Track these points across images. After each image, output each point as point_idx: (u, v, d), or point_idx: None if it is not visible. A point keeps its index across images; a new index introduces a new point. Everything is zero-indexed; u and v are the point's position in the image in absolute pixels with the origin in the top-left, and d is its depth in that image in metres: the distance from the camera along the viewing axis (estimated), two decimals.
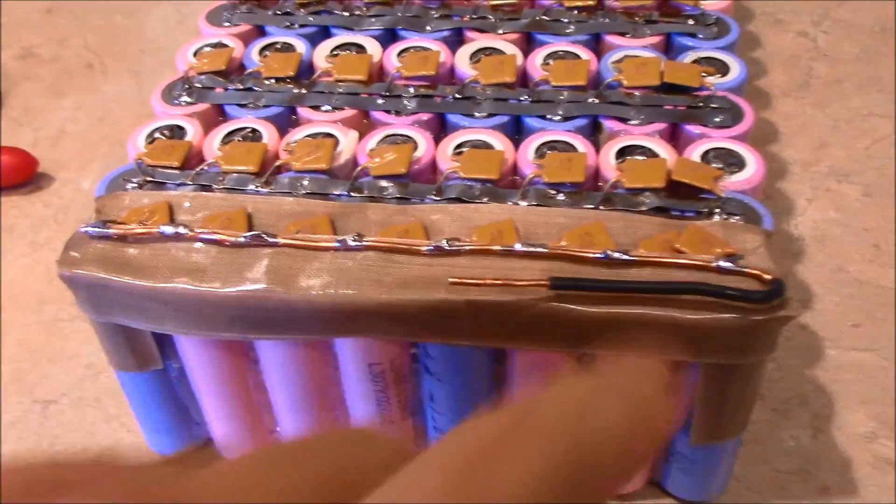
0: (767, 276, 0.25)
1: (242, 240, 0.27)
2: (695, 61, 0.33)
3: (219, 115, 0.33)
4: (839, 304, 0.37)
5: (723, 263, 0.25)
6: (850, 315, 0.37)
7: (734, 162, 0.29)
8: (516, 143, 0.30)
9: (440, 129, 0.32)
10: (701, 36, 0.34)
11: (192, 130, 0.31)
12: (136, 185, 0.30)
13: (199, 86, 0.33)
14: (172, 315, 0.27)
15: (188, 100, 0.33)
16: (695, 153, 0.30)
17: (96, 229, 0.27)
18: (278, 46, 0.35)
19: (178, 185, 0.29)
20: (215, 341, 0.28)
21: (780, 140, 0.45)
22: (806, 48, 0.50)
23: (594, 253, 0.26)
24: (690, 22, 0.35)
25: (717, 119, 0.31)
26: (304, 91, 0.32)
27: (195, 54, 0.35)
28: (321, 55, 0.34)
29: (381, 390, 0.29)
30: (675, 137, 0.31)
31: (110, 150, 0.47)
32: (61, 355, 0.37)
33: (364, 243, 0.27)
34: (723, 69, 0.33)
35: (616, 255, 0.26)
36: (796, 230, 0.41)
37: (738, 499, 0.32)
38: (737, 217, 0.28)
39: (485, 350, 0.28)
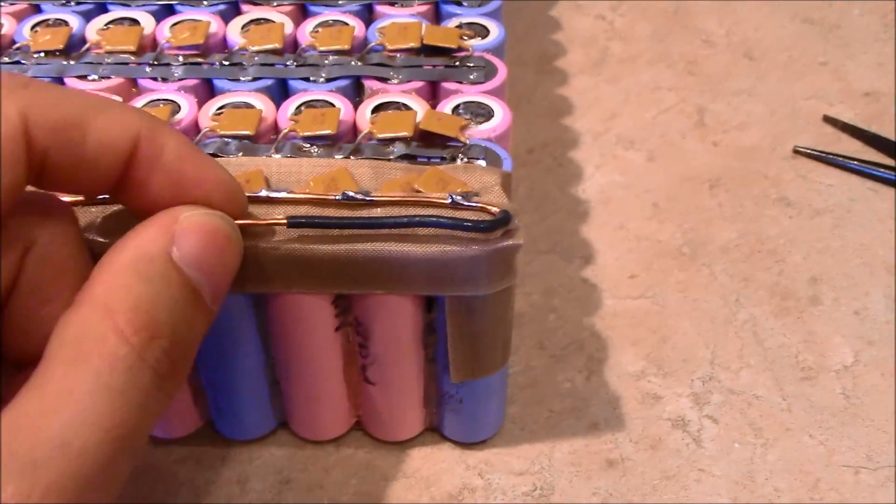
0: (495, 209, 0.27)
1: None
2: (458, 26, 0.35)
3: None
4: (618, 259, 0.40)
5: (455, 199, 0.27)
6: (627, 267, 0.39)
7: (483, 113, 0.31)
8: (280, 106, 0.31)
9: (209, 95, 0.33)
10: (466, 4, 0.36)
11: None
12: None
13: None
14: None
15: None
16: (447, 107, 0.31)
17: None
18: (50, 22, 0.35)
19: None
20: None
21: (573, 113, 0.47)
22: (603, 29, 0.53)
23: (334, 195, 0.27)
24: None
25: (472, 76, 0.32)
26: (71, 63, 0.33)
27: None
28: (93, 29, 0.34)
29: None
30: (435, 96, 0.33)
31: None
32: None
33: None
34: (484, 33, 0.35)
35: (354, 195, 0.27)
36: (584, 194, 0.43)
37: (512, 438, 0.33)
38: (479, 160, 0.29)
39: (244, 298, 0.28)
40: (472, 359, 0.29)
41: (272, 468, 0.32)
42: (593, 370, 0.35)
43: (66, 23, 0.35)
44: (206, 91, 0.33)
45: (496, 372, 0.30)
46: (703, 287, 0.38)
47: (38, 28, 0.35)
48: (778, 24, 0.53)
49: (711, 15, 0.54)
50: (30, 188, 0.21)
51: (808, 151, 0.44)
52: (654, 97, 0.48)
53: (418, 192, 0.27)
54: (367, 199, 0.27)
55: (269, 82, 0.32)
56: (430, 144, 0.30)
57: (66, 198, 0.24)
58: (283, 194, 0.27)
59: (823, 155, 0.44)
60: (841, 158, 0.43)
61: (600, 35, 0.52)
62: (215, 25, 0.34)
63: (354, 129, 0.31)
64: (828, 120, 0.46)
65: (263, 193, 0.27)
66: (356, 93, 0.33)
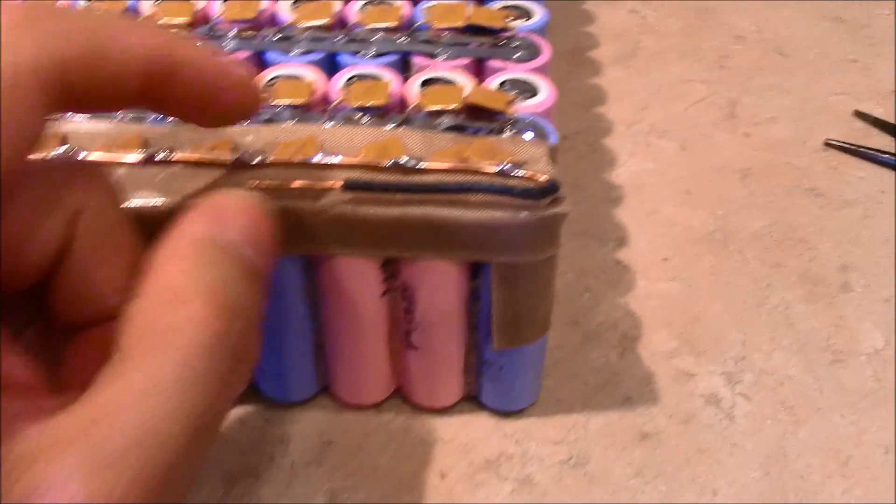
0: (542, 178, 0.27)
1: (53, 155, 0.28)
2: (503, 8, 0.36)
3: None
4: (651, 242, 0.40)
5: (504, 168, 0.28)
6: (660, 251, 0.40)
7: (528, 90, 0.32)
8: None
9: (261, 68, 0.33)
10: None
11: None
12: None
13: None
14: None
15: None
16: (493, 83, 0.32)
17: None
18: None
19: None
20: None
21: (606, 103, 0.48)
22: (635, 24, 0.54)
23: (386, 161, 0.28)
24: None
25: (517, 55, 0.33)
26: None
27: None
28: (147, 2, 0.35)
29: None
30: (481, 73, 0.33)
31: None
32: None
33: (171, 158, 0.28)
34: (526, 14, 0.36)
35: (406, 162, 0.28)
36: (617, 179, 0.43)
37: (548, 409, 0.34)
38: (526, 134, 0.30)
39: (293, 262, 0.29)
40: (514, 326, 0.30)
41: (314, 430, 0.33)
42: (627, 347, 0.36)
43: None
44: (258, 64, 0.34)
45: (536, 341, 0.31)
46: (734, 272, 0.39)
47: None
48: (808, 23, 0.54)
49: (741, 13, 0.55)
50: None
51: (840, 144, 0.45)
52: (685, 89, 0.49)
53: (468, 160, 0.28)
54: (419, 166, 0.28)
55: (319, 56, 0.33)
56: (478, 117, 0.31)
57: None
58: (337, 159, 0.28)
59: (855, 148, 0.44)
60: (872, 151, 0.44)
61: (632, 29, 0.53)
62: (266, 3, 0.35)
63: (403, 102, 0.32)
64: (859, 115, 0.47)
65: (318, 158, 0.28)
66: (403, 69, 0.34)
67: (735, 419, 0.33)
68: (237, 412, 0.33)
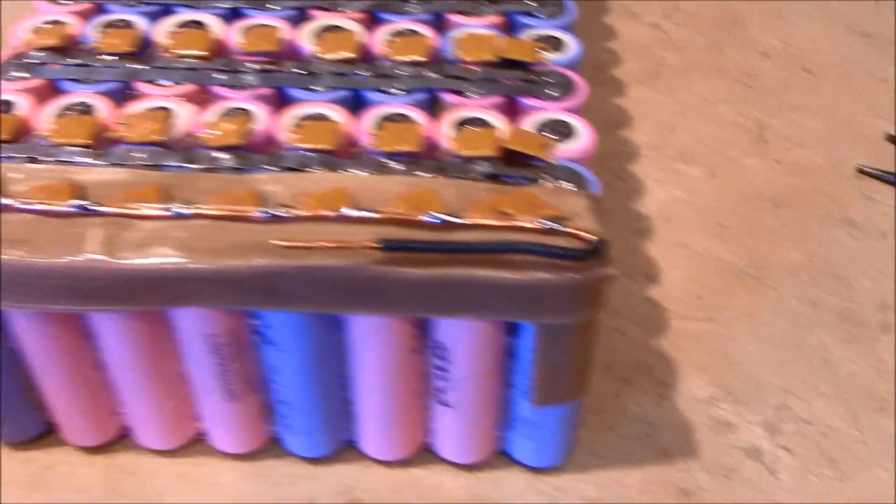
0: (588, 236, 0.26)
1: (68, 209, 0.26)
2: (533, 39, 0.34)
3: (53, 90, 0.32)
4: (683, 278, 0.39)
5: (547, 224, 0.26)
6: (692, 288, 0.38)
7: (565, 132, 0.30)
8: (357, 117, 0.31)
9: (281, 103, 0.32)
10: (540, 15, 0.35)
11: (22, 105, 0.30)
12: None
13: (35, 62, 0.32)
14: (2, 288, 0.26)
15: (22, 75, 0.32)
16: (528, 123, 0.30)
17: None
18: (117, 23, 0.34)
19: (7, 157, 0.29)
20: (49, 316, 0.28)
21: (631, 125, 0.46)
22: (658, 38, 0.52)
23: (423, 216, 0.26)
24: (530, 2, 0.36)
25: (551, 92, 0.32)
26: (142, 66, 0.32)
27: (33, 31, 0.34)
28: (161, 31, 0.34)
29: (223, 364, 0.29)
30: (512, 110, 0.32)
31: None
32: None
33: (195, 211, 0.26)
34: (559, 47, 0.34)
35: (444, 217, 0.26)
36: (645, 209, 0.42)
37: (583, 463, 0.32)
38: (566, 183, 0.28)
39: (325, 317, 0.28)
40: (554, 385, 0.29)
41: (340, 487, 0.31)
42: (662, 395, 0.34)
43: (132, 24, 0.34)
44: (278, 99, 0.32)
45: (577, 399, 0.30)
46: (770, 310, 0.37)
47: (106, 29, 0.34)
48: (834, 38, 0.52)
49: (766, 26, 0.53)
50: None
51: (873, 171, 0.43)
52: (711, 110, 0.47)
53: (507, 214, 0.27)
54: (458, 221, 0.26)
55: (344, 93, 0.31)
56: (514, 163, 0.29)
57: None
58: (369, 214, 0.26)
59: (889, 176, 0.43)
60: None
61: (655, 44, 0.52)
62: (286, 31, 0.33)
63: (434, 146, 0.30)
64: (891, 139, 0.45)
65: (348, 212, 0.26)
66: (433, 106, 0.32)
67: (777, 474, 0.32)
68: (256, 467, 0.32)
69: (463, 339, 0.28)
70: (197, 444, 0.32)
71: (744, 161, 0.44)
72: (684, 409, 0.34)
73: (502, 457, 0.32)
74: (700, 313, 0.37)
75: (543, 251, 0.25)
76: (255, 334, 0.29)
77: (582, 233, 0.26)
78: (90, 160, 0.29)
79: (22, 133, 0.30)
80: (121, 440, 0.33)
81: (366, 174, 0.28)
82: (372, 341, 0.28)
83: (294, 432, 0.31)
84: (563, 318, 0.27)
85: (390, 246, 0.25)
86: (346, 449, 0.32)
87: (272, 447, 0.32)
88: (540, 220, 0.26)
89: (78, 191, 0.27)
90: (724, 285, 0.38)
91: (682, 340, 0.36)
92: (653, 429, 0.33)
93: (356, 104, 0.32)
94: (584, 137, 0.30)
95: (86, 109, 0.30)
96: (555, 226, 0.26)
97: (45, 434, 0.33)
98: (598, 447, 0.33)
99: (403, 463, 0.32)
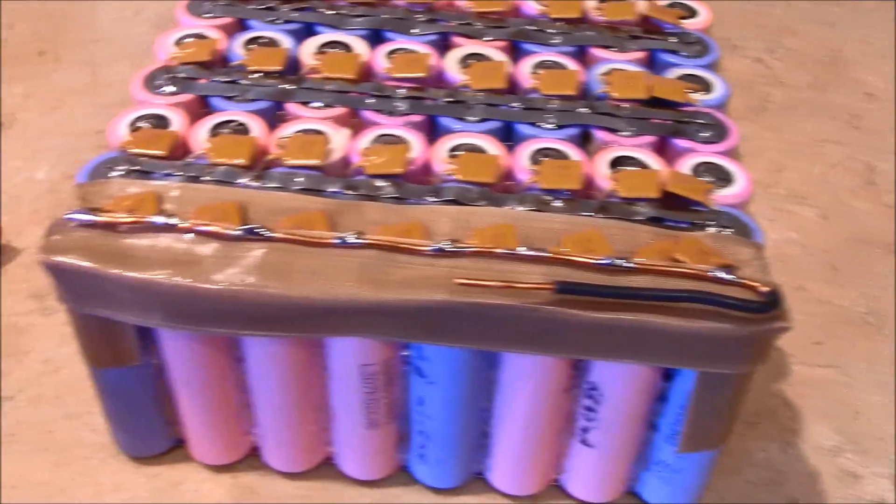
0: (764, 288, 0.26)
1: (237, 233, 0.26)
2: (678, 78, 0.34)
3: (202, 106, 0.32)
4: (802, 322, 0.38)
5: (720, 274, 0.26)
6: (811, 333, 0.38)
7: (722, 176, 0.30)
8: (507, 149, 0.30)
9: (430, 131, 0.32)
10: (683, 54, 0.35)
11: (177, 120, 0.30)
12: (121, 173, 0.28)
13: (183, 76, 0.32)
14: (160, 308, 0.26)
15: (171, 89, 0.32)
16: (685, 166, 0.30)
17: (83, 217, 0.26)
18: (263, 40, 0.34)
19: (165, 175, 0.29)
20: (201, 337, 0.28)
21: (740, 161, 0.46)
22: (761, 74, 0.52)
23: (597, 259, 0.26)
24: (672, 40, 0.35)
25: (704, 134, 0.31)
26: (291, 86, 0.32)
27: (176, 44, 0.34)
28: (307, 52, 0.33)
29: (371, 392, 0.28)
30: (662, 150, 0.32)
31: (64, 140, 0.45)
32: (16, 350, 0.36)
33: (364, 241, 0.26)
34: (705, 87, 0.34)
35: (619, 262, 0.26)
36: None
37: None
38: (729, 230, 0.28)
39: (482, 353, 0.27)
40: (703, 432, 0.28)
41: None
42: (787, 441, 0.34)
43: (277, 42, 0.34)
44: (428, 126, 0.32)
45: (720, 446, 0.29)
46: (891, 360, 0.37)
47: (251, 46, 0.34)
48: None
49: (868, 67, 0.53)
50: None
51: None
52: (819, 150, 0.47)
53: (678, 261, 0.26)
54: (630, 265, 0.26)
55: (496, 124, 0.31)
56: (674, 207, 0.29)
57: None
58: (542, 253, 0.26)
59: None
60: None
61: (759, 79, 0.51)
62: (433, 58, 0.33)
63: (588, 182, 0.30)
64: None
65: (522, 251, 0.26)
66: (581, 141, 0.32)
67: None
68: (385, 494, 0.32)
69: (618, 381, 0.28)
70: (323, 466, 0.32)
71: (855, 204, 0.44)
72: (810, 457, 0.34)
73: (632, 496, 0.32)
74: (821, 359, 0.37)
75: (723, 302, 0.25)
76: (406, 365, 0.29)
77: (755, 283, 0.26)
78: (249, 182, 0.28)
79: (178, 150, 0.30)
80: (246, 459, 0.32)
81: (528, 210, 0.28)
82: (526, 379, 0.28)
83: (426, 462, 0.31)
84: (728, 367, 0.26)
85: (566, 288, 0.25)
86: (472, 481, 0.32)
87: (400, 475, 0.32)
88: (711, 268, 0.26)
89: (242, 213, 0.27)
90: (843, 332, 0.38)
91: (804, 387, 0.36)
92: (779, 476, 0.33)
93: (505, 136, 0.31)
94: (741, 182, 0.30)
95: (241, 129, 0.30)
96: (726, 275, 0.26)
97: (171, 449, 0.33)
98: (725, 492, 0.32)
99: (530, 498, 0.32)
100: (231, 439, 0.31)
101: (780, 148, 0.47)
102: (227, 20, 0.35)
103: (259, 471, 0.32)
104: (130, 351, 0.28)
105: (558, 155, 0.30)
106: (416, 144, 0.30)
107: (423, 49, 0.34)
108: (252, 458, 0.33)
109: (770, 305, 0.25)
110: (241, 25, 0.35)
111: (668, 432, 0.29)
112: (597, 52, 0.35)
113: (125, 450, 0.32)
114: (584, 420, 0.29)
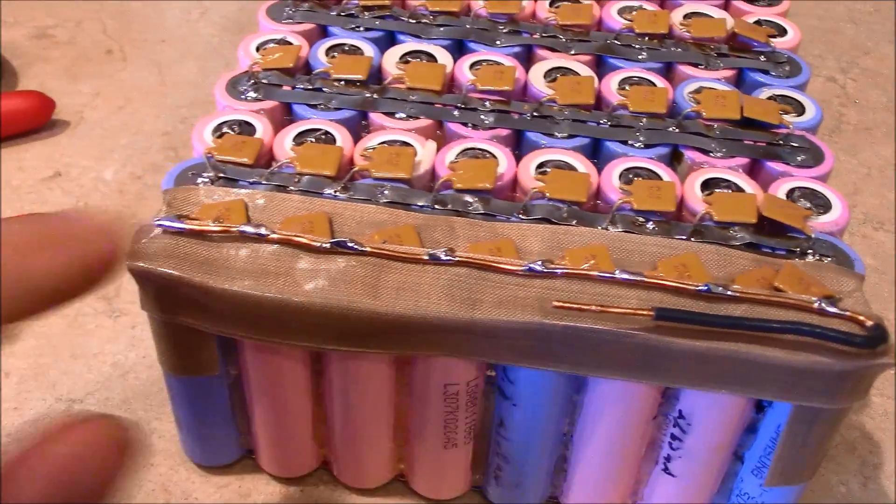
0: (869, 321, 0.25)
1: (326, 245, 0.26)
2: (768, 99, 0.33)
3: (285, 113, 0.31)
4: None
5: (823, 305, 0.25)
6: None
7: (818, 202, 0.29)
8: (595, 167, 0.30)
9: (516, 146, 0.31)
10: (773, 73, 0.34)
11: (262, 127, 0.30)
12: (207, 180, 0.28)
13: (266, 82, 0.32)
14: (246, 320, 0.26)
15: (255, 95, 0.31)
16: (780, 191, 0.29)
17: (171, 224, 0.26)
18: (346, 48, 0.33)
19: (251, 183, 0.28)
20: (283, 349, 0.27)
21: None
22: (835, 93, 0.51)
23: (695, 286, 0.25)
24: (762, 59, 0.34)
25: (799, 158, 0.30)
26: (375, 96, 0.31)
27: (258, 49, 0.33)
28: (391, 61, 0.33)
29: (451, 412, 0.28)
30: (753, 173, 0.31)
31: (131, 140, 0.45)
32: (84, 352, 0.35)
33: (455, 258, 0.26)
34: (797, 109, 0.33)
35: (717, 289, 0.25)
36: None
37: None
38: (828, 259, 0.27)
39: (568, 376, 0.27)
40: (794, 466, 0.27)
41: None
42: (868, 476, 0.33)
43: (360, 50, 0.33)
44: (514, 141, 0.31)
45: (807, 481, 0.28)
46: None
47: (333, 53, 0.33)
48: None
49: None
50: None
51: None
52: None
53: (779, 290, 0.25)
54: (729, 293, 0.25)
55: (584, 140, 0.31)
56: (771, 233, 0.28)
57: None
58: (639, 277, 0.25)
59: None
60: None
61: (833, 99, 0.50)
62: (518, 71, 0.33)
63: (680, 204, 0.29)
64: None
65: (619, 275, 0.25)
66: (670, 160, 0.31)
67: None
68: None
69: (709, 411, 0.27)
70: (394, 483, 0.32)
71: None
72: (891, 493, 0.33)
73: None
74: None
75: (827, 335, 0.24)
76: (489, 385, 0.28)
77: (860, 316, 0.25)
78: (336, 193, 0.28)
79: (263, 157, 0.29)
80: (316, 472, 0.32)
81: (620, 232, 0.27)
82: (613, 405, 0.27)
83: (501, 483, 0.30)
84: (826, 402, 0.25)
85: (664, 315, 0.24)
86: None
87: (472, 494, 0.32)
88: (813, 298, 0.25)
89: (330, 225, 0.26)
90: None
91: (884, 419, 0.35)
92: None
93: (591, 153, 0.31)
94: (838, 209, 0.29)
95: (326, 138, 0.30)
96: (830, 307, 0.25)
97: (240, 459, 0.32)
98: None
99: None
100: (302, 452, 0.31)
101: (856, 171, 0.46)
102: (308, 26, 0.35)
103: (329, 485, 0.32)
104: (211, 361, 0.28)
105: (649, 175, 0.29)
106: (503, 159, 0.29)
107: (507, 61, 0.33)
108: (322, 472, 0.32)
109: (876, 340, 0.24)
110: (322, 32, 0.35)
111: (755, 465, 0.28)
112: (684, 69, 0.34)
113: (194, 458, 0.32)
114: (669, 448, 0.28)
